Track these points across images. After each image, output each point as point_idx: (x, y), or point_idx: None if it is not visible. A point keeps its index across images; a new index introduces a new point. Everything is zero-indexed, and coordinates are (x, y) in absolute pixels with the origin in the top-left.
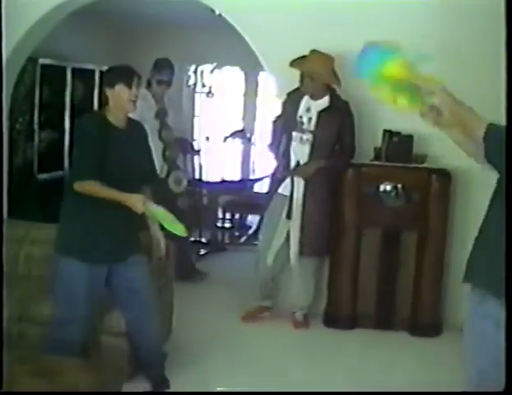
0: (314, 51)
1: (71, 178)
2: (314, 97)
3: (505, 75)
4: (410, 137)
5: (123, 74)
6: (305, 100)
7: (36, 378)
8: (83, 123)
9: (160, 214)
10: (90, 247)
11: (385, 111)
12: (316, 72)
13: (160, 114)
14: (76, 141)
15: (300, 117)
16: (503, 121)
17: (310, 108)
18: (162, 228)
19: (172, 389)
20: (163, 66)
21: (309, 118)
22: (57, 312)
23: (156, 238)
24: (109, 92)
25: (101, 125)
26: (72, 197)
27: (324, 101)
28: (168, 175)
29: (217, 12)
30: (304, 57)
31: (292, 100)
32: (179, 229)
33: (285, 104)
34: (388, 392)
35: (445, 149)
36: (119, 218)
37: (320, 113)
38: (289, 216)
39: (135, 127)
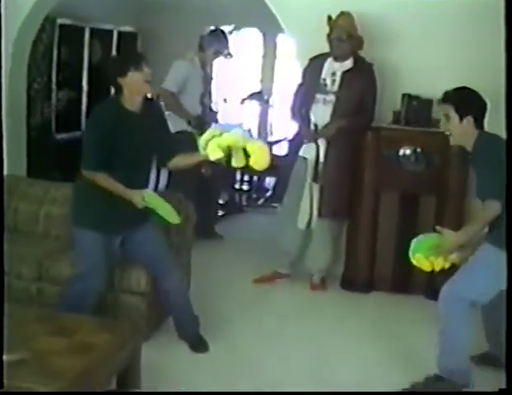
0: (343, 12)
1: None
2: (338, 59)
3: (505, 75)
4: (429, 101)
5: (131, 60)
6: (329, 63)
7: (55, 337)
8: (97, 112)
9: (157, 202)
10: (103, 220)
11: (404, 74)
12: (350, 33)
13: (206, 80)
14: (88, 130)
15: (324, 79)
16: (503, 120)
17: (334, 69)
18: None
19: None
20: (223, 37)
21: (333, 80)
22: (75, 274)
23: None
24: (121, 81)
25: (116, 113)
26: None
27: (349, 63)
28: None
29: None
30: (331, 17)
31: (315, 64)
32: (173, 217)
33: (306, 69)
34: (389, 392)
35: None
36: (139, 184)
37: (344, 74)
38: (315, 179)
39: (151, 107)
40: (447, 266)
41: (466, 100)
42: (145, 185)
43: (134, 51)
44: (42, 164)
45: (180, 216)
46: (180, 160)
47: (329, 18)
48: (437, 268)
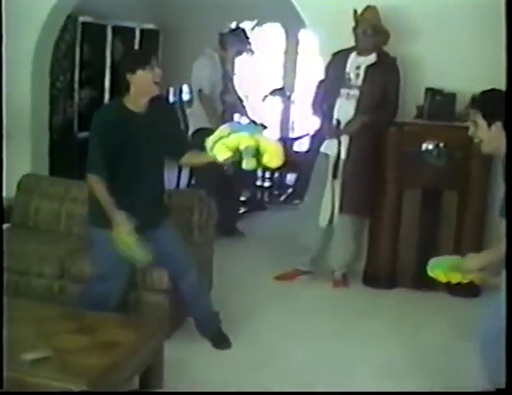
0: (369, 6)
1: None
2: (362, 53)
3: (505, 75)
4: (453, 96)
5: (141, 58)
6: (352, 57)
7: (77, 335)
8: (98, 115)
9: (127, 243)
10: None
11: (428, 69)
12: (376, 27)
13: (226, 77)
14: (91, 134)
15: (348, 73)
16: None
17: (359, 63)
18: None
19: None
20: (244, 37)
21: (357, 74)
22: (94, 271)
23: None
24: (130, 78)
25: (118, 114)
26: None
27: (373, 57)
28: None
29: None
30: (357, 11)
31: (338, 59)
32: (140, 255)
33: (330, 64)
34: (389, 393)
35: None
36: (150, 186)
37: (368, 69)
38: (335, 176)
39: (159, 107)
40: (464, 281)
41: (493, 105)
42: (158, 185)
43: (147, 49)
44: (64, 163)
45: (202, 214)
46: (191, 158)
47: (355, 12)
48: (454, 281)
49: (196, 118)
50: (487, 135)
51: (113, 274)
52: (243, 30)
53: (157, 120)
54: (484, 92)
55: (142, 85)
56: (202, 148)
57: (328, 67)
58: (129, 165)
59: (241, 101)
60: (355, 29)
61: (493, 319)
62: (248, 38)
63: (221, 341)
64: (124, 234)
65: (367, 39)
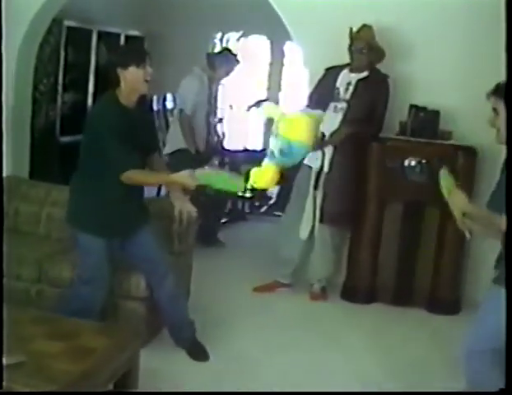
0: (365, 25)
1: (113, 167)
2: (355, 70)
3: (505, 75)
4: (436, 113)
5: (136, 54)
6: (344, 74)
7: (53, 340)
8: (102, 113)
9: (211, 177)
10: (100, 223)
11: (412, 86)
12: (371, 45)
13: (211, 100)
14: (103, 133)
15: (337, 88)
16: None
17: (350, 79)
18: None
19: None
20: (233, 58)
21: (347, 89)
22: (78, 277)
23: (179, 206)
24: (121, 73)
25: (116, 109)
26: (81, 172)
27: (365, 73)
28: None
29: None
30: (353, 29)
31: (330, 75)
32: (234, 186)
33: (321, 79)
34: (389, 392)
35: (472, 126)
36: (127, 191)
37: (358, 82)
38: (316, 187)
39: (143, 104)
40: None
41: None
42: (140, 190)
43: (141, 47)
44: (45, 166)
45: (183, 222)
46: (143, 175)
47: (351, 30)
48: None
49: (174, 139)
50: (504, 124)
51: (96, 278)
52: (230, 51)
53: (143, 118)
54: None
55: (133, 81)
56: (178, 168)
57: (319, 81)
58: (118, 164)
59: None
60: (350, 46)
61: (476, 335)
62: (237, 59)
63: (196, 351)
64: (200, 175)
65: (362, 57)
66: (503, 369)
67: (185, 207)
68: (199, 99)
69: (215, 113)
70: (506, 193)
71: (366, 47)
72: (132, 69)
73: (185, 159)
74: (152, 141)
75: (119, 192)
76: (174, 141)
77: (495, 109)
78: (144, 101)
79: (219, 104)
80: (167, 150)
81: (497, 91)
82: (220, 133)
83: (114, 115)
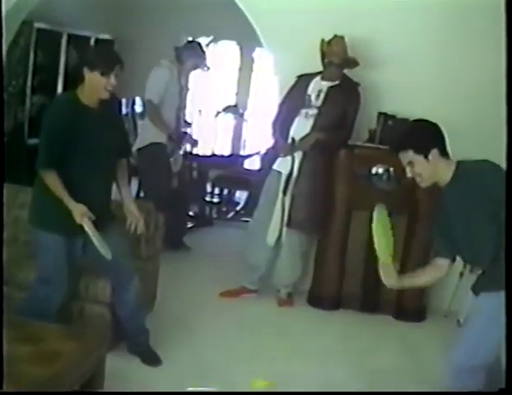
0: (337, 36)
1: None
2: (325, 78)
3: (505, 75)
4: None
5: (106, 61)
6: (316, 81)
7: (20, 344)
8: (53, 108)
9: (91, 231)
10: (62, 220)
11: (381, 94)
12: (342, 57)
13: (182, 93)
14: (42, 127)
15: (309, 95)
16: (503, 123)
17: (321, 87)
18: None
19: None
20: (200, 50)
21: (318, 95)
22: (36, 276)
23: (132, 214)
24: (86, 74)
25: (72, 109)
26: None
27: (336, 81)
28: (172, 154)
29: None
30: (324, 41)
31: (302, 82)
32: (105, 250)
33: (293, 86)
34: (389, 392)
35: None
36: (98, 186)
37: (329, 89)
38: (285, 192)
39: (109, 104)
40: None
41: (422, 136)
42: (107, 187)
43: (114, 56)
44: (13, 168)
45: (150, 227)
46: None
47: (322, 42)
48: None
49: (145, 133)
50: (426, 167)
51: (54, 278)
52: (198, 44)
53: (108, 119)
54: (406, 130)
55: (94, 86)
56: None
57: (291, 89)
58: (79, 162)
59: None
60: (322, 59)
61: (466, 351)
62: (204, 52)
63: (150, 357)
64: (87, 224)
65: (333, 69)
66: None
67: (135, 220)
68: (169, 91)
69: (185, 108)
70: (506, 195)
71: (338, 59)
72: (96, 74)
73: (155, 153)
74: (120, 145)
75: (86, 188)
76: (144, 134)
77: (409, 162)
78: (111, 103)
79: (188, 109)
80: (138, 144)
81: (401, 146)
82: (189, 132)
83: (64, 112)
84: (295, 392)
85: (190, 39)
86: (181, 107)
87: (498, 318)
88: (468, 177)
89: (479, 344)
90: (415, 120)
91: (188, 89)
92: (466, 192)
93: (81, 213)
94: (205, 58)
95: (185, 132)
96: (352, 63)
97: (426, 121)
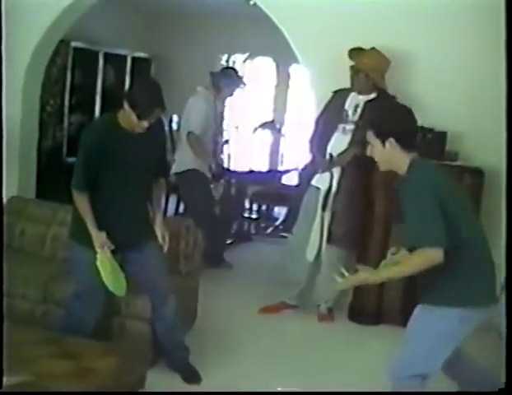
0: (374, 49)
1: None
2: (362, 93)
3: (505, 75)
4: (443, 134)
5: (145, 105)
6: (352, 96)
7: (58, 360)
8: (91, 130)
9: (107, 264)
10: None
11: (419, 107)
12: (374, 69)
13: (217, 119)
14: (80, 148)
15: (346, 111)
16: (503, 123)
17: (358, 102)
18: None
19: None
20: (236, 76)
21: (355, 110)
22: (71, 293)
23: (161, 230)
24: (126, 105)
25: (110, 132)
26: None
27: (372, 94)
28: (211, 182)
29: (252, 2)
30: (361, 49)
31: (338, 97)
32: (118, 287)
33: (330, 102)
34: (389, 392)
35: (478, 147)
36: (132, 206)
37: (367, 104)
38: (324, 208)
39: (152, 129)
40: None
41: (384, 122)
42: (143, 206)
43: (157, 99)
44: (52, 187)
45: (189, 243)
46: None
47: (360, 49)
48: None
49: (183, 159)
50: (382, 154)
51: (88, 293)
52: (234, 70)
53: (148, 141)
54: (383, 110)
55: (129, 120)
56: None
57: (327, 104)
58: (115, 183)
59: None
60: (352, 70)
61: (405, 360)
62: (240, 77)
63: (189, 374)
64: (104, 257)
65: (366, 81)
66: None
67: (165, 234)
68: (207, 119)
69: (221, 133)
70: (506, 195)
71: (369, 70)
72: (132, 112)
73: (195, 179)
74: (159, 165)
75: (120, 208)
76: (183, 161)
77: (370, 143)
78: (153, 125)
79: (225, 126)
80: (175, 169)
81: (365, 123)
82: (225, 154)
83: (101, 135)
84: (295, 392)
85: (225, 64)
86: (217, 132)
87: (433, 330)
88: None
89: (415, 353)
90: (391, 106)
91: (223, 115)
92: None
93: (100, 243)
94: (242, 83)
95: (223, 167)
96: (381, 75)
97: (404, 109)
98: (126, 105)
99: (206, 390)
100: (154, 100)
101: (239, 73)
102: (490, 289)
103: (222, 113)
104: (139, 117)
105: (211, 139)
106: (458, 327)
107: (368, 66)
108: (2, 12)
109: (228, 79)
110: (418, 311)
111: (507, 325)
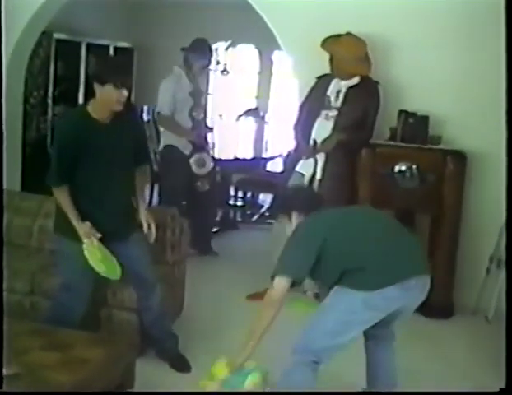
0: (348, 34)
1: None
2: (344, 78)
3: (505, 75)
4: (426, 118)
5: (116, 73)
6: (335, 82)
7: (48, 352)
8: (62, 124)
9: (97, 252)
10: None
11: (401, 92)
12: (347, 56)
13: (195, 94)
14: (54, 143)
15: (328, 96)
16: (503, 122)
17: (340, 87)
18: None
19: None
20: (205, 48)
21: (337, 96)
22: (59, 285)
23: (145, 220)
24: (97, 88)
25: (81, 125)
26: None
27: (355, 80)
28: (191, 156)
29: None
30: (337, 36)
31: (321, 83)
32: (112, 271)
33: (313, 88)
34: (389, 393)
35: (460, 131)
36: (113, 197)
37: (349, 90)
38: None
39: (124, 117)
40: None
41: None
42: (125, 197)
43: (125, 66)
44: (37, 178)
45: (175, 232)
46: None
47: (336, 36)
48: None
49: (164, 139)
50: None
51: (75, 285)
52: (204, 41)
53: (122, 131)
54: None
55: (106, 99)
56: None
57: (311, 90)
58: (93, 176)
59: (206, 125)
60: (331, 57)
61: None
62: (210, 49)
63: (180, 363)
64: (92, 246)
65: (343, 68)
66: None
67: (151, 223)
68: (177, 96)
69: (202, 108)
70: (507, 193)
71: (343, 58)
72: (108, 87)
73: (168, 154)
74: (137, 152)
75: (102, 200)
76: (164, 137)
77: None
78: (126, 113)
79: (209, 114)
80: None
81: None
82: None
83: (72, 129)
84: (296, 392)
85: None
86: (195, 107)
87: (337, 309)
88: None
89: (316, 328)
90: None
91: (202, 90)
92: None
93: (84, 232)
94: (211, 56)
95: (205, 138)
96: (366, 61)
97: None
98: (98, 86)
99: (194, 378)
100: (121, 67)
101: (220, 58)
102: (390, 271)
103: (203, 87)
104: (116, 85)
105: (187, 115)
106: (362, 309)
107: (341, 54)
108: (1, 12)
109: (196, 53)
110: (331, 291)
111: (507, 325)
